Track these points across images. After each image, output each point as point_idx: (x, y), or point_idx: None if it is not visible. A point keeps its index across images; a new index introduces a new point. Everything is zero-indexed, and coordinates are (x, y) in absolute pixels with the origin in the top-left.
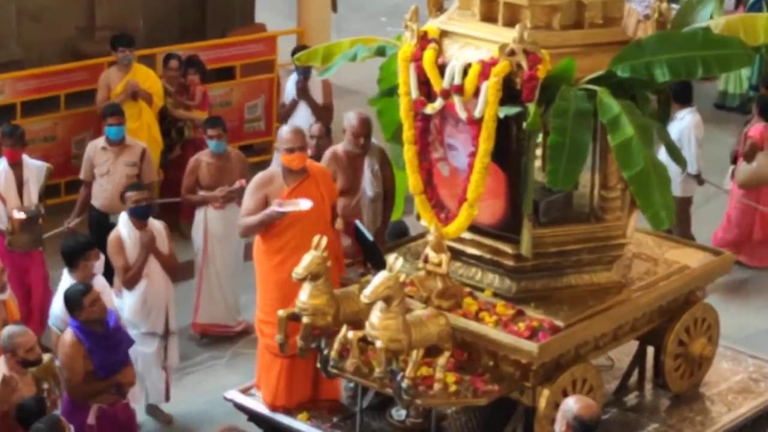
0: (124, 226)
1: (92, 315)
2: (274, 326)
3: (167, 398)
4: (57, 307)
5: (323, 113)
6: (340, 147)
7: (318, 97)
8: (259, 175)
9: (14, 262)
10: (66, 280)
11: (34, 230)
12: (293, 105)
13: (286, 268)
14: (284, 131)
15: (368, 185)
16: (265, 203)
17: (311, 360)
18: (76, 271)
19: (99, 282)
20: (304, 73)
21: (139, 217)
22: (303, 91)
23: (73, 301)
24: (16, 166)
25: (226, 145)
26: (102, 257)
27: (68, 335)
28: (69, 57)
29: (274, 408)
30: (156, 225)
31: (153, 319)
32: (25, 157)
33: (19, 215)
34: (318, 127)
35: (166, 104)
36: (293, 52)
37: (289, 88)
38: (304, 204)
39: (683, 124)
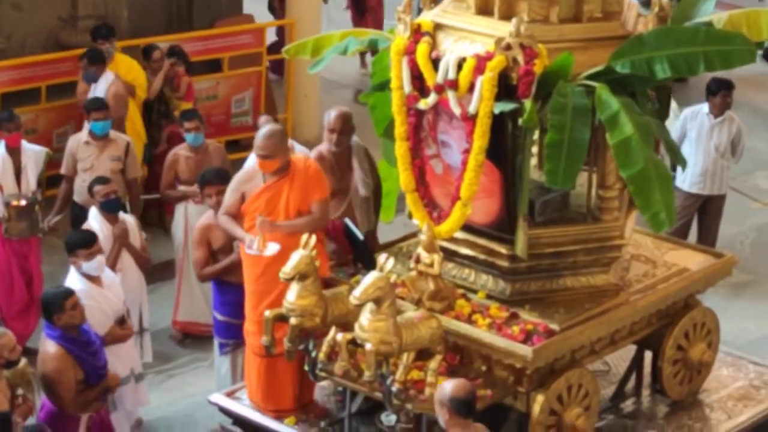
0: (94, 220)
1: (73, 320)
2: (253, 323)
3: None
4: None
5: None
6: (323, 147)
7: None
8: (240, 172)
9: (14, 250)
10: (72, 274)
11: (31, 217)
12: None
13: (257, 262)
14: (258, 135)
15: (360, 184)
16: (242, 201)
17: (292, 362)
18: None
19: (109, 276)
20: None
21: (110, 210)
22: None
23: (53, 304)
24: (14, 151)
25: (203, 138)
26: (100, 257)
27: (52, 347)
28: (51, 47)
29: (257, 408)
30: (127, 218)
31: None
32: (24, 143)
33: (19, 202)
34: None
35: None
36: None
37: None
38: (269, 250)
39: (736, 122)
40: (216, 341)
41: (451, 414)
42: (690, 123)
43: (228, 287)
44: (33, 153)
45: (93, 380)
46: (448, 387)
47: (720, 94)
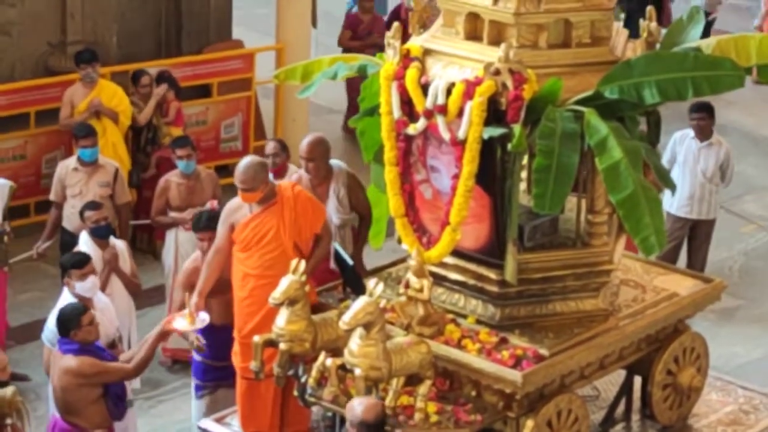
0: (85, 245)
1: (89, 336)
2: (238, 344)
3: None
4: (52, 322)
5: None
6: (303, 172)
7: None
8: (230, 203)
9: None
10: (66, 295)
11: None
12: None
13: (243, 285)
14: (237, 168)
15: (333, 212)
16: (232, 232)
17: (271, 386)
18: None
19: (101, 300)
20: None
21: (100, 236)
22: None
23: (70, 320)
24: None
25: (195, 165)
26: (92, 279)
27: (73, 360)
28: (40, 73)
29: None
30: (118, 244)
31: None
32: None
33: None
34: (274, 145)
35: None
36: None
37: None
38: (199, 323)
39: (725, 147)
40: (193, 383)
41: None
42: (678, 146)
43: (207, 329)
44: None
45: (111, 393)
46: (358, 409)
47: (690, 116)
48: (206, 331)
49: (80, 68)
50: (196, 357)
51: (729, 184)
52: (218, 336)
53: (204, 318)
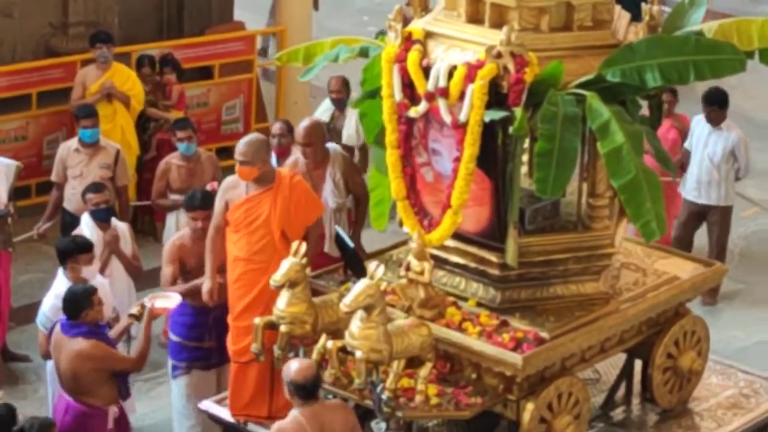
0: (86, 226)
1: (98, 315)
2: (232, 329)
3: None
4: (47, 306)
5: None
6: (300, 156)
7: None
8: (226, 180)
9: None
10: (61, 280)
11: (3, 230)
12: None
13: (234, 267)
14: (239, 141)
15: (329, 196)
16: (226, 209)
17: (264, 369)
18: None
19: (98, 281)
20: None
21: (100, 219)
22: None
23: (84, 300)
24: None
25: (196, 147)
26: (95, 262)
27: (83, 343)
28: (42, 54)
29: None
30: (120, 226)
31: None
32: None
33: None
34: (280, 126)
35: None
36: None
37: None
38: (176, 299)
39: (734, 134)
40: (169, 363)
41: (291, 395)
42: (695, 129)
43: (184, 309)
44: (4, 166)
45: (119, 372)
46: (290, 369)
47: (703, 106)
48: (181, 311)
49: (96, 48)
50: (172, 337)
51: (745, 174)
52: (197, 317)
53: (177, 297)
